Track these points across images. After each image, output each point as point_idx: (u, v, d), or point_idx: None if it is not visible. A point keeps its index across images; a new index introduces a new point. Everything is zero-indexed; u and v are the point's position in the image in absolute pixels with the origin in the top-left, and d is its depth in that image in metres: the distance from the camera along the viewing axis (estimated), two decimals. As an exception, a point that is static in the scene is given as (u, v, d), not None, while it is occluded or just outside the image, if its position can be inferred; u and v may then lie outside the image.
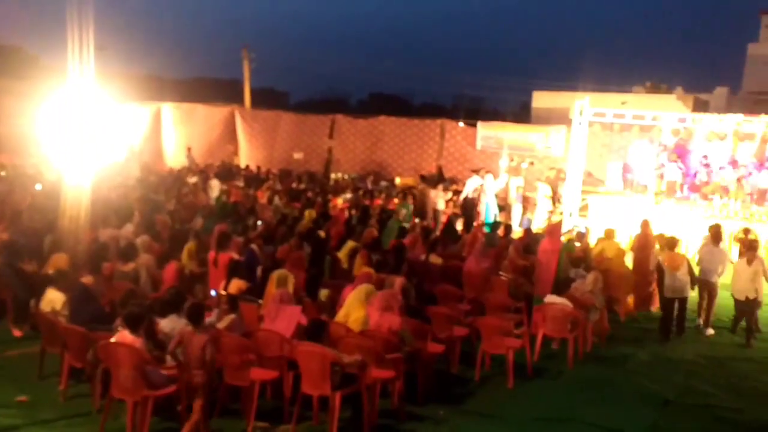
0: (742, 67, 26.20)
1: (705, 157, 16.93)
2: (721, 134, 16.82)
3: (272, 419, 6.03)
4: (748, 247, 9.97)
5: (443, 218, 16.18)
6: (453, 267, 9.80)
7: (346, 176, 23.63)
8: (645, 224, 11.32)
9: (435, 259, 10.02)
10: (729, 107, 19.93)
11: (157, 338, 5.99)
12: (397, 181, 22.95)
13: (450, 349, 7.49)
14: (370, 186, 20.93)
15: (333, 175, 23.86)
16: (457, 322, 7.79)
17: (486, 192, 17.35)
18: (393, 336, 6.33)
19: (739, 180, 15.85)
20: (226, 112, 25.93)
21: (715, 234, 10.16)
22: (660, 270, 9.81)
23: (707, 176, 16.58)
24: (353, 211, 14.66)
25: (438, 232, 13.54)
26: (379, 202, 17.74)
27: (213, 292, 7.66)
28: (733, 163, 16.66)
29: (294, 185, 19.95)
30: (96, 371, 5.97)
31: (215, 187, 17.35)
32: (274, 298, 6.37)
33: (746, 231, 12.97)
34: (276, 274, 7.28)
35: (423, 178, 19.80)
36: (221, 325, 6.28)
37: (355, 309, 6.61)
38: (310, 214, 12.52)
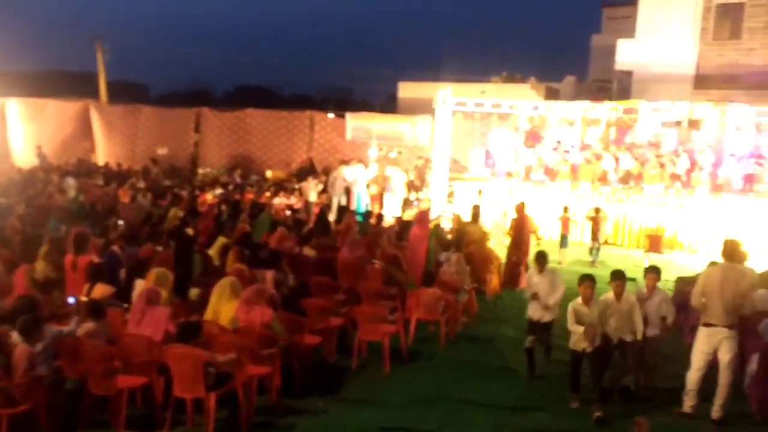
0: (588, 57, 28.23)
1: (558, 142, 18.12)
2: (571, 120, 18.08)
3: (144, 427, 5.79)
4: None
5: (315, 210, 16.17)
6: (327, 258, 9.83)
7: (214, 171, 22.96)
8: (520, 208, 12.00)
9: (308, 251, 10.01)
10: (577, 95, 21.42)
11: (5, 350, 5.53)
12: (268, 174, 22.64)
13: (327, 340, 7.54)
14: (239, 180, 20.49)
15: (200, 170, 23.10)
16: (332, 313, 7.84)
17: (357, 182, 17.55)
18: (267, 330, 6.26)
19: (587, 162, 17.09)
20: (79, 107, 24.29)
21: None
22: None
23: (558, 160, 17.74)
24: (223, 207, 14.30)
25: (311, 224, 13.52)
26: (250, 196, 17.43)
27: (72, 299, 7.17)
28: (582, 147, 17.96)
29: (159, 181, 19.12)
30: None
31: (71, 186, 16.25)
32: (140, 298, 6.07)
33: (597, 210, 14.01)
34: (154, 273, 6.96)
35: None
36: (81, 332, 5.91)
37: (222, 306, 6.46)
38: (175, 211, 12.05)
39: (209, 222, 12.00)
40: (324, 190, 18.38)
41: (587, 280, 6.84)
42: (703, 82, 20.48)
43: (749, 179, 15.83)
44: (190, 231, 10.16)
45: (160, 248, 9.14)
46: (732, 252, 6.73)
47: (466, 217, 12.86)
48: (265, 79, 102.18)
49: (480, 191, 15.49)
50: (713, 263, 8.16)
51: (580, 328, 6.53)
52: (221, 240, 9.59)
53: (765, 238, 14.30)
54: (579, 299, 6.74)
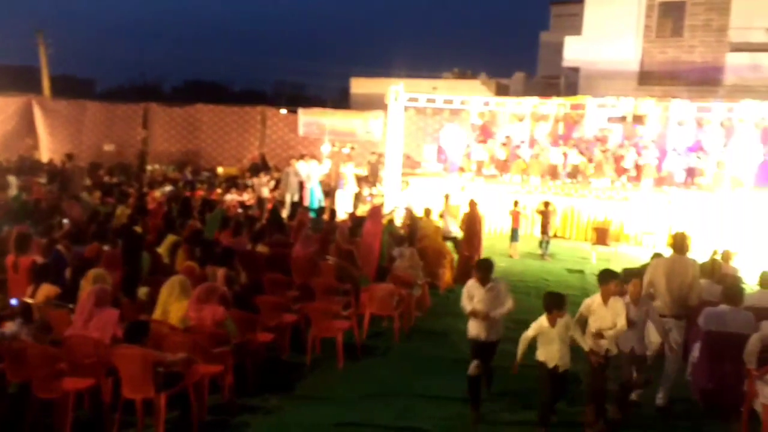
0: (537, 54, 28.69)
1: (507, 137, 18.39)
2: (520, 116, 18.37)
3: (92, 430, 5.65)
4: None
5: (268, 206, 16.03)
6: (280, 254, 9.77)
7: (163, 167, 22.53)
8: (472, 203, 12.18)
9: (261, 248, 9.93)
10: (526, 91, 21.76)
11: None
12: (220, 170, 22.35)
13: (280, 337, 7.50)
14: (190, 177, 20.15)
15: (149, 167, 22.63)
16: (285, 309, 7.80)
17: (310, 178, 17.47)
18: (219, 329, 6.19)
19: (536, 157, 17.40)
20: (21, 102, 23.47)
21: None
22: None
23: (508, 155, 18.02)
24: (173, 204, 14.04)
25: (263, 221, 13.40)
26: (201, 193, 17.17)
27: (14, 301, 6.95)
28: (531, 142, 18.28)
29: (106, 179, 18.65)
30: None
31: (13, 184, 15.72)
32: (87, 298, 5.90)
33: (546, 204, 14.29)
34: (92, 273, 6.79)
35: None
36: (24, 335, 5.73)
37: (172, 305, 6.35)
38: (123, 209, 11.78)
39: (158, 219, 11.77)
40: (276, 187, 18.25)
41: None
42: (646, 78, 21.09)
43: (691, 173, 16.39)
44: (138, 229, 9.95)
45: (106, 247, 8.92)
46: (681, 244, 6.96)
47: (419, 213, 12.95)
48: (216, 74, 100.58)
49: (463, 187, 15.64)
50: (658, 255, 8.45)
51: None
52: (171, 238, 9.42)
53: (706, 230, 14.84)
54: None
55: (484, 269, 6.48)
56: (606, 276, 6.27)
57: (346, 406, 6.50)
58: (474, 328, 6.45)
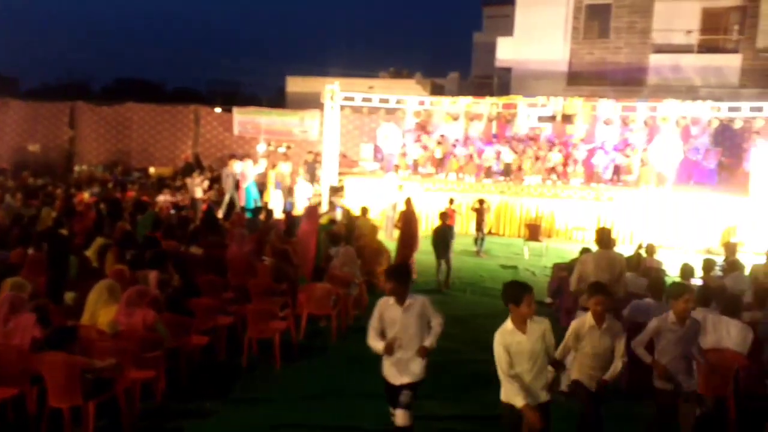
0: (471, 54, 29.18)
1: (442, 136, 18.64)
2: (455, 115, 18.65)
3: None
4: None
5: (202, 207, 15.75)
6: (215, 256, 9.61)
7: (91, 168, 21.81)
8: (408, 202, 12.28)
9: (195, 250, 9.75)
10: (461, 90, 22.11)
11: None
12: (151, 170, 21.79)
13: (215, 339, 7.38)
14: (119, 177, 19.58)
15: (76, 168, 21.86)
16: (221, 311, 7.69)
17: (246, 178, 17.25)
18: (150, 333, 6.05)
19: (471, 156, 17.71)
20: (-64, 100, 22.29)
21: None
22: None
23: (443, 154, 18.27)
24: (102, 206, 13.60)
25: (197, 222, 13.15)
26: (131, 194, 16.71)
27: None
28: (465, 141, 18.58)
29: (30, 181, 17.91)
30: None
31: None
32: (2, 306, 5.66)
33: (481, 201, 14.56)
34: (10, 282, 6.50)
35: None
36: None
37: (101, 309, 6.17)
38: (48, 212, 11.35)
39: (87, 222, 11.39)
40: (211, 187, 17.94)
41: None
42: (575, 78, 21.76)
43: (617, 170, 17.01)
44: (64, 231, 9.60)
45: (31, 251, 8.58)
46: (604, 239, 7.22)
47: (356, 212, 12.99)
48: (148, 72, 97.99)
49: (400, 186, 15.71)
50: (586, 249, 8.74)
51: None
52: (99, 240, 9.13)
53: (632, 225, 15.45)
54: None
55: (399, 278, 4.99)
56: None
57: (284, 408, 6.46)
58: (390, 370, 5.02)
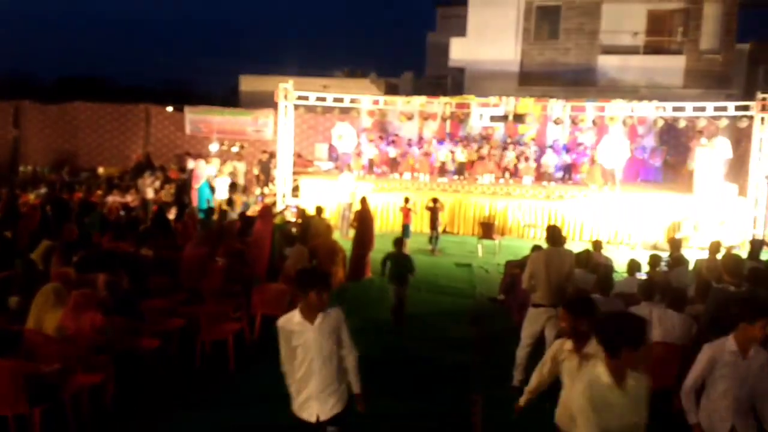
0: (425, 54, 29.33)
1: (396, 135, 18.74)
2: (409, 114, 18.76)
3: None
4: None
5: (153, 207, 15.45)
6: (167, 257, 9.45)
7: (37, 168, 21.18)
8: (363, 201, 12.30)
9: (146, 251, 9.56)
10: (415, 90, 22.19)
11: None
12: (100, 171, 21.29)
13: (167, 342, 7.26)
14: (67, 178, 19.07)
15: (21, 168, 21.19)
16: (172, 313, 7.57)
17: (198, 178, 17.00)
18: (99, 336, 5.92)
19: (426, 155, 17.84)
20: None
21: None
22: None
23: (398, 153, 18.37)
24: (48, 207, 13.23)
25: (148, 223, 12.92)
26: (79, 195, 16.28)
27: None
28: (420, 140, 18.72)
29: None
30: None
31: None
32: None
33: (435, 200, 14.70)
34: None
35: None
36: None
37: (46, 313, 6.00)
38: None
39: (32, 223, 11.07)
40: (162, 187, 17.63)
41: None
42: (526, 79, 22.11)
43: (568, 168, 17.38)
44: (8, 234, 9.31)
45: (-28, 255, 8.29)
46: (554, 237, 7.36)
47: (311, 211, 12.95)
48: (97, 70, 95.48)
49: (356, 184, 15.72)
50: (537, 247, 8.90)
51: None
52: (45, 243, 8.88)
53: (581, 222, 15.81)
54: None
55: (319, 282, 4.04)
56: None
57: (238, 409, 6.41)
58: (311, 403, 4.15)
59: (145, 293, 7.72)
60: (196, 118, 21.79)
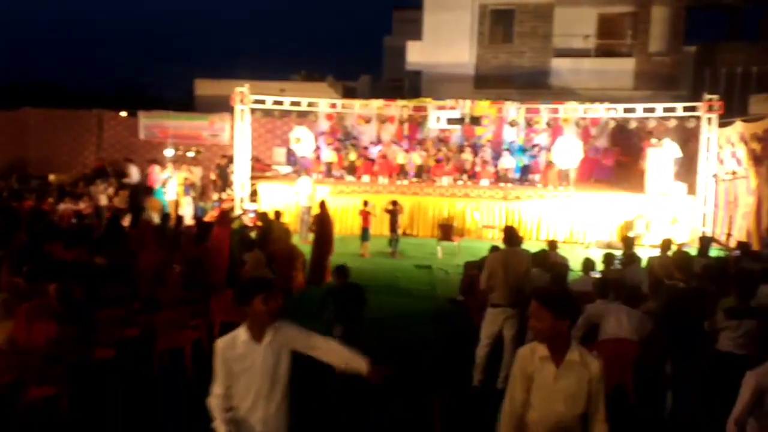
0: (382, 58, 29.44)
1: (355, 138, 18.75)
2: (367, 117, 18.81)
3: None
4: None
5: (107, 214, 15.12)
6: (121, 265, 9.25)
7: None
8: (323, 205, 12.27)
9: (99, 259, 9.35)
10: (373, 93, 22.27)
11: None
12: (51, 178, 20.72)
13: (123, 352, 7.11)
14: (16, 186, 18.52)
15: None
16: (128, 323, 7.42)
17: (154, 183, 16.74)
18: (51, 348, 5.76)
19: (384, 157, 17.90)
20: None
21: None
22: None
23: (356, 156, 18.37)
24: (-4, 216, 12.82)
25: (102, 230, 12.63)
26: (30, 203, 15.80)
27: None
28: (378, 143, 18.77)
29: None
30: None
31: None
32: None
33: (394, 203, 14.74)
34: None
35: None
36: None
37: (-6, 325, 5.84)
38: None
39: (-21, 234, 10.69)
40: (116, 194, 17.28)
41: None
42: (482, 82, 22.39)
43: (524, 170, 17.65)
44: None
45: None
46: (511, 237, 7.46)
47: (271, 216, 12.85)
48: (48, 74, 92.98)
49: (315, 188, 15.66)
50: (495, 248, 9.01)
51: None
52: (-7, 253, 8.60)
53: (537, 222, 16.07)
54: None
55: (263, 288, 3.53)
56: None
57: (196, 419, 6.30)
58: None
59: (99, 302, 7.56)
60: (151, 123, 21.42)
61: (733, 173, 15.06)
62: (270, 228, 11.99)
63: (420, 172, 17.71)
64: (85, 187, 18.10)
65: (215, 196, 18.67)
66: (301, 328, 3.68)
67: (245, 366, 3.50)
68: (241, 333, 3.52)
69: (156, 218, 13.26)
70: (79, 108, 22.87)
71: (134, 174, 16.68)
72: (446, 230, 14.86)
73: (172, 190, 16.50)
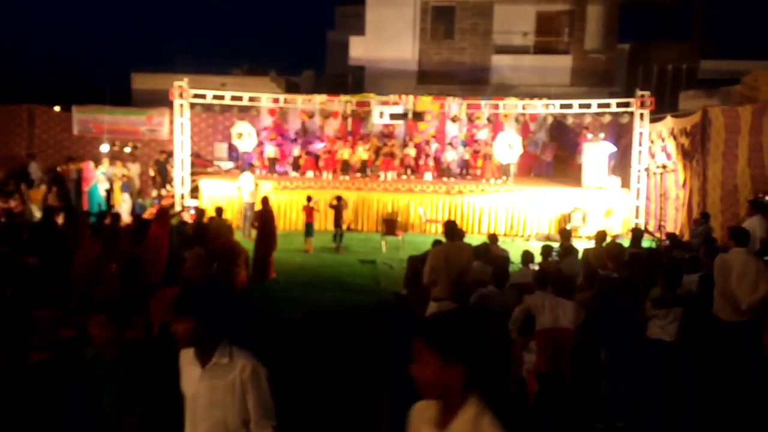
0: (325, 53, 29.28)
1: (297, 134, 18.65)
2: (310, 113, 18.71)
3: None
4: None
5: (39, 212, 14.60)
6: (55, 264, 8.96)
7: None
8: (265, 200, 12.17)
9: (32, 259, 9.04)
10: (316, 88, 22.12)
11: None
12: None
13: (58, 354, 6.89)
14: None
15: None
16: (62, 324, 7.19)
17: (89, 180, 16.25)
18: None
19: (327, 153, 17.84)
20: None
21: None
22: None
23: (299, 152, 18.27)
24: None
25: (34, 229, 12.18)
26: (-46, 201, 15.11)
27: None
28: (321, 139, 18.70)
29: None
30: None
31: None
32: None
33: (338, 198, 14.75)
34: None
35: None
36: None
37: None
38: None
39: None
40: (49, 191, 16.69)
41: None
42: (424, 77, 22.57)
43: (465, 165, 17.91)
44: None
45: None
46: (452, 231, 7.56)
47: (210, 212, 12.66)
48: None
49: (257, 183, 15.47)
50: (438, 242, 9.12)
51: None
52: None
53: (478, 216, 16.34)
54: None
55: (201, 311, 3.05)
56: None
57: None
58: None
59: (32, 303, 7.31)
60: (85, 118, 20.71)
61: (664, 167, 15.66)
62: (204, 224, 11.79)
63: (364, 167, 17.74)
64: (14, 184, 17.41)
65: (154, 192, 18.25)
66: (258, 383, 3.05)
67: (186, 388, 3.16)
68: (188, 363, 3.17)
69: (36, 212, 12.89)
70: (7, 102, 21.92)
71: (34, 171, 16.23)
72: (390, 225, 14.94)
73: (103, 186, 16.10)
